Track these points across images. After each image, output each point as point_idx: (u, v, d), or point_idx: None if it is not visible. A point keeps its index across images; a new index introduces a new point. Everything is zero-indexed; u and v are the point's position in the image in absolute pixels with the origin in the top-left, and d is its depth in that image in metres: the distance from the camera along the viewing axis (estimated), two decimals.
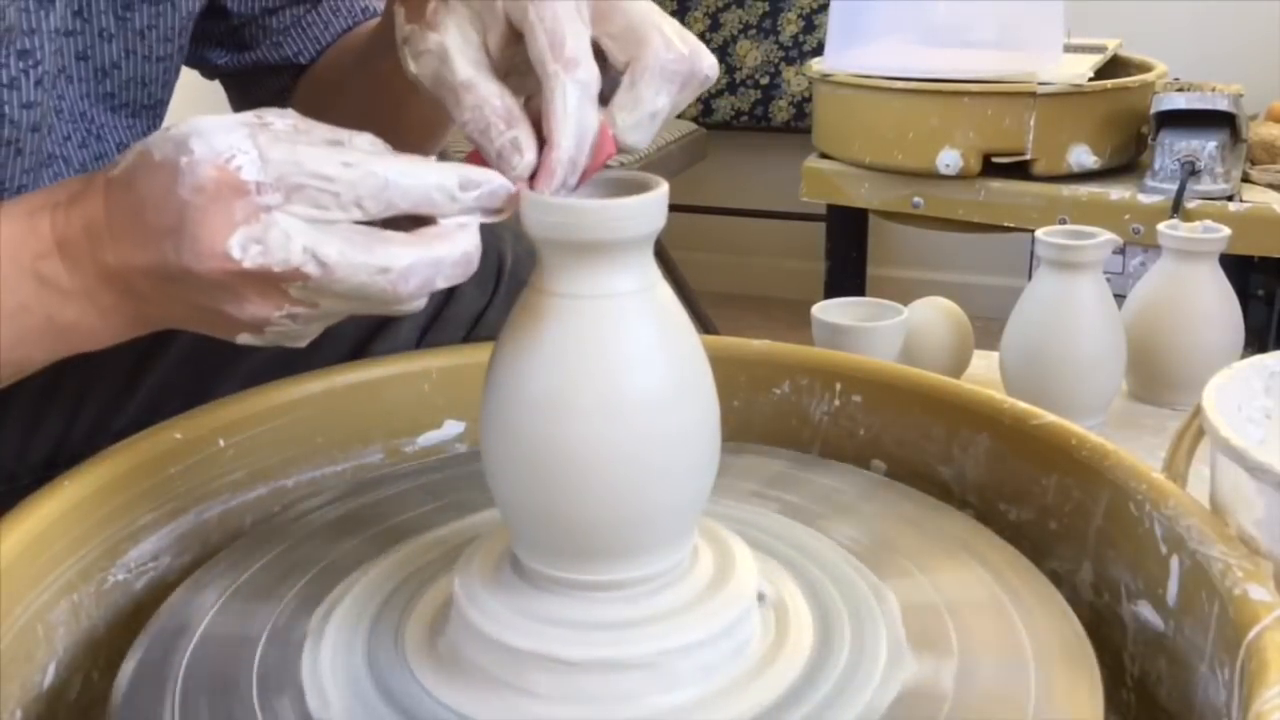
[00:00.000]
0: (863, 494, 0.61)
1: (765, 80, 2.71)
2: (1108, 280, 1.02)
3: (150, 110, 0.70)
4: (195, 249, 0.43)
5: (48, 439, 0.73)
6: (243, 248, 0.43)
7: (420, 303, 0.46)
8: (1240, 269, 1.73)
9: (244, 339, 0.47)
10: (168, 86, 0.70)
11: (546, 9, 0.45)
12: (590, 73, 0.45)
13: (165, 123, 0.70)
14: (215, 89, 0.83)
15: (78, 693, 0.53)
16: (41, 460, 0.72)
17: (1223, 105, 1.65)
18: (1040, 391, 0.97)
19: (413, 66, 0.48)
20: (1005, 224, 1.80)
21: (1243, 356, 0.76)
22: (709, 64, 0.48)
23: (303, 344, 0.49)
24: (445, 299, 0.75)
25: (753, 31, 2.71)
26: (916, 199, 1.85)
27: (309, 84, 0.79)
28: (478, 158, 0.47)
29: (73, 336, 0.48)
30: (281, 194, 0.43)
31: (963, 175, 1.78)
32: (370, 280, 0.44)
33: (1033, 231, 1.03)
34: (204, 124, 0.44)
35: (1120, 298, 1.03)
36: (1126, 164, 1.83)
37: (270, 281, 0.44)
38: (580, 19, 0.46)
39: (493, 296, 0.76)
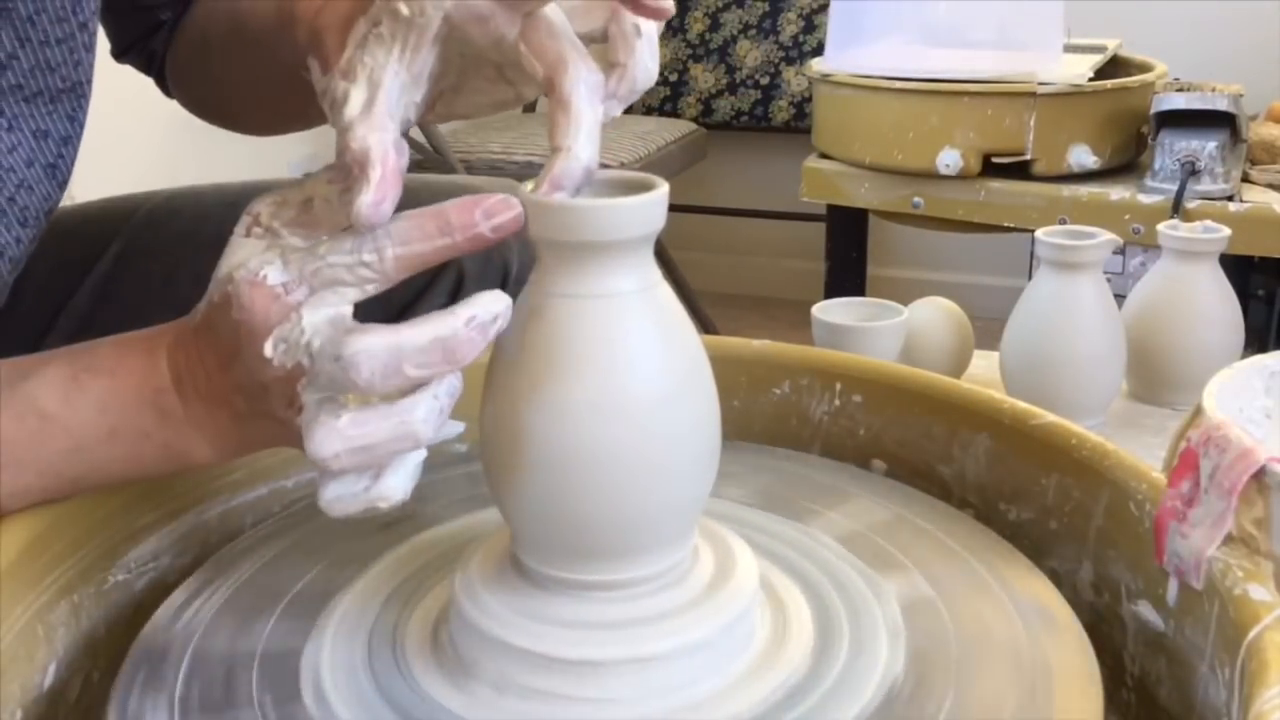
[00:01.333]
0: (862, 493, 0.61)
1: (765, 80, 2.71)
2: (1108, 280, 1.02)
3: (69, 94, 0.68)
4: (257, 364, 0.46)
5: None
6: (273, 346, 0.46)
7: (423, 419, 0.45)
8: (1240, 269, 1.73)
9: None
10: (80, 67, 0.69)
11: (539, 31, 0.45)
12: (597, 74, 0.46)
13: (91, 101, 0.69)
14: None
15: (78, 693, 0.53)
16: None
17: (1223, 105, 1.66)
18: (1040, 391, 0.97)
19: (330, 118, 0.48)
20: (1005, 224, 1.80)
21: (1243, 356, 0.76)
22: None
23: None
24: (456, 292, 0.75)
25: (753, 31, 2.71)
26: (916, 199, 1.85)
27: (191, 40, 0.78)
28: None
29: (184, 460, 0.52)
30: (306, 286, 0.45)
31: (963, 175, 1.78)
32: (324, 367, 0.45)
33: (1033, 231, 1.03)
34: (238, 254, 0.48)
35: (1120, 298, 1.03)
36: (1126, 164, 1.83)
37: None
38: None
39: None
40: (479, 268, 0.75)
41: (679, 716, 0.44)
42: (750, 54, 2.71)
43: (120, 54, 0.82)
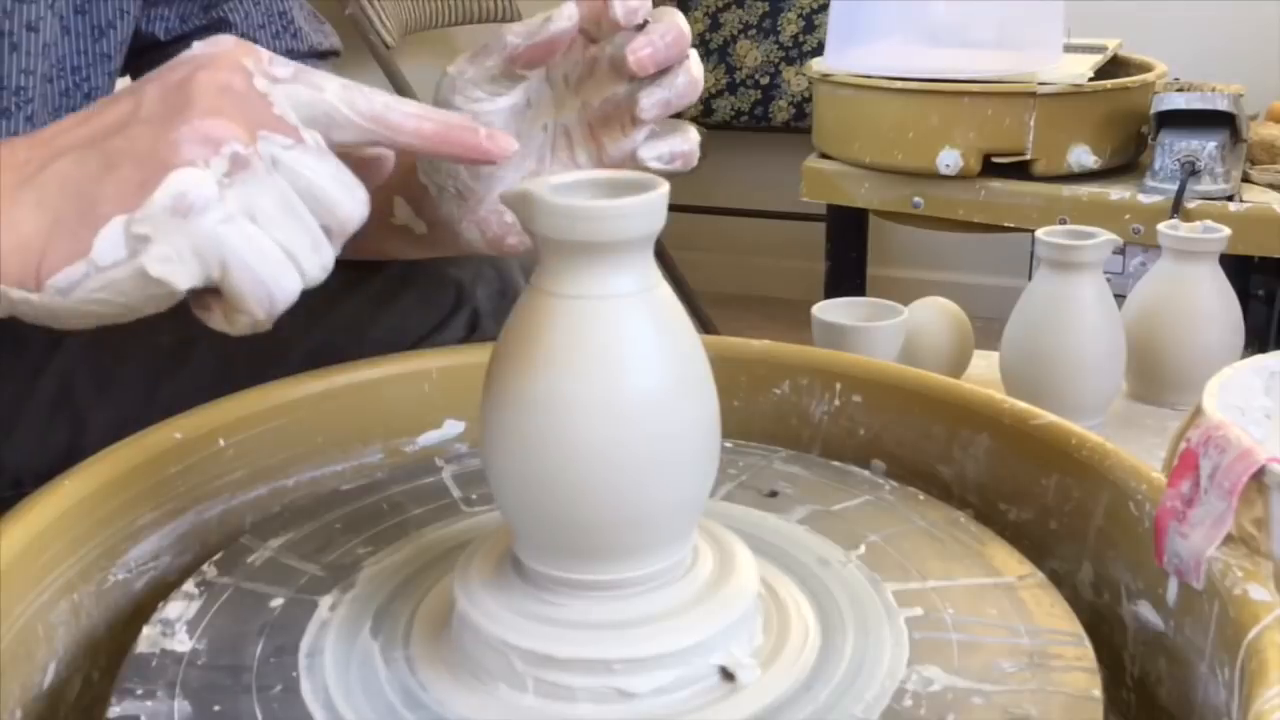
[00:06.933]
0: (861, 493, 0.61)
1: (765, 80, 2.70)
2: (1108, 280, 1.02)
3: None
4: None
5: (57, 451, 0.72)
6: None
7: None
8: (1240, 269, 1.73)
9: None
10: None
11: None
12: None
13: None
14: None
15: (78, 692, 0.53)
16: (49, 472, 0.72)
17: (1223, 105, 1.65)
18: (1040, 391, 0.97)
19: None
20: (1005, 224, 1.80)
21: (1243, 356, 0.76)
22: None
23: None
24: (472, 329, 0.75)
25: (753, 31, 2.71)
26: (916, 199, 1.85)
27: None
28: None
29: None
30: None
31: (963, 175, 1.78)
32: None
33: (1033, 231, 1.03)
34: None
35: (1120, 298, 1.03)
36: (1126, 164, 1.83)
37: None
38: None
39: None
40: (493, 303, 0.75)
41: (679, 717, 0.44)
42: (750, 54, 2.71)
43: None
